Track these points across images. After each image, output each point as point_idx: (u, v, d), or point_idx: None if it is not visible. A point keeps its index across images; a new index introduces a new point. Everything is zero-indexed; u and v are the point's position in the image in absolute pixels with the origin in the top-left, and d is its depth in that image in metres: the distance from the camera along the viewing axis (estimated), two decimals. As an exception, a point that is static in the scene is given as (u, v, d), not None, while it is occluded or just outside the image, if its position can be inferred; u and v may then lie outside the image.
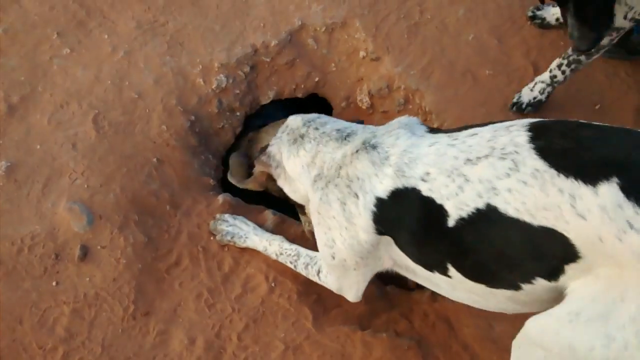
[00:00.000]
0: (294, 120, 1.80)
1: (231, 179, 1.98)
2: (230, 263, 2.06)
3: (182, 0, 2.46)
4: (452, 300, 1.64)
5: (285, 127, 1.83)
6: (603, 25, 1.81)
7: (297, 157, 1.74)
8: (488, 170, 1.35)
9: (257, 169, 1.88)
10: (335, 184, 1.61)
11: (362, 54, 2.45)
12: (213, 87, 2.34)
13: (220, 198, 2.18)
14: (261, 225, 2.16)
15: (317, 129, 1.74)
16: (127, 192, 2.08)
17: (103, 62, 2.31)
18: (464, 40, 2.44)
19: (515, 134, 1.37)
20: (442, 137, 1.50)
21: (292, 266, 1.98)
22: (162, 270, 2.00)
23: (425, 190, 1.44)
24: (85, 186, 2.05)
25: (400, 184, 1.48)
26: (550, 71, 2.22)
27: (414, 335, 1.96)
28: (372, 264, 1.67)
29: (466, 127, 1.51)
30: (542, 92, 2.27)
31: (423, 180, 1.45)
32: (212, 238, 2.10)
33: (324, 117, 1.79)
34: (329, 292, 1.87)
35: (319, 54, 2.48)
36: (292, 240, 2.13)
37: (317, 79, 2.48)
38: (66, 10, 2.41)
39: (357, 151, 1.59)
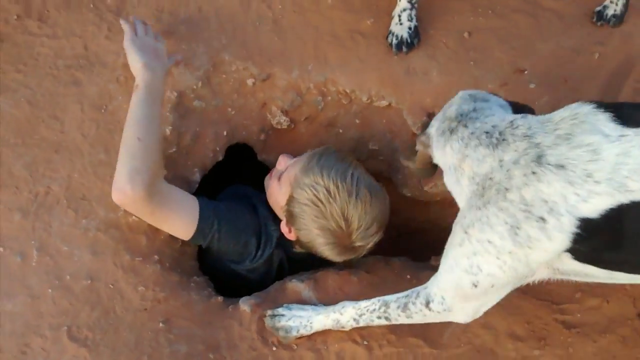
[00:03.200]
0: (457, 100, 1.63)
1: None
2: (311, 357, 1.90)
3: (44, 154, 2.00)
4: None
5: (449, 105, 1.65)
6: None
7: (444, 152, 1.58)
8: None
9: (418, 147, 1.73)
10: (499, 208, 1.39)
11: (250, 81, 2.23)
12: (149, 214, 2.02)
13: (245, 307, 1.96)
14: (299, 299, 2.01)
15: (466, 126, 1.53)
16: (167, 377, 1.79)
17: (26, 275, 1.87)
18: (327, 6, 2.30)
19: None
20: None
21: (380, 321, 1.78)
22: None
23: None
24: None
25: (624, 198, 1.28)
26: None
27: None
28: (523, 281, 1.53)
29: None
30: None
31: None
32: (273, 348, 1.91)
33: (478, 111, 1.55)
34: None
35: (210, 108, 2.21)
36: (335, 290, 2.03)
37: (225, 133, 2.24)
38: None
39: (533, 173, 1.35)
